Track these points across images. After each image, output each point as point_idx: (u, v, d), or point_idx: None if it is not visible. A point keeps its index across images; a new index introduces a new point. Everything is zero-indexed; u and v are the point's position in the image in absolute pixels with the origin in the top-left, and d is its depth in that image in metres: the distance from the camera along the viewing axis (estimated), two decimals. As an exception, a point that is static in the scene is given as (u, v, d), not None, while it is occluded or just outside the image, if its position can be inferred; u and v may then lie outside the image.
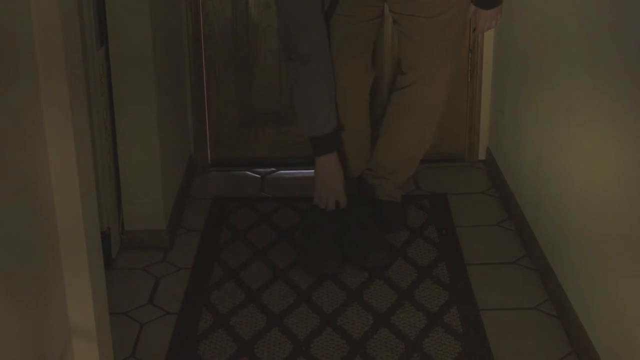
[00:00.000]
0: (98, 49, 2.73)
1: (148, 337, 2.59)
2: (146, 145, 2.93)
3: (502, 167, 3.40)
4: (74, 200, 1.81)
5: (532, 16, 2.98)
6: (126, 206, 2.98)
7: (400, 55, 3.04)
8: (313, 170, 3.03)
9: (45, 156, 1.76)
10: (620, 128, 2.17)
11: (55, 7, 1.70)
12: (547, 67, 2.79)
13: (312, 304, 2.72)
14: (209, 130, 3.69)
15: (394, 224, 3.14)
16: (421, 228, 3.16)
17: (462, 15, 2.90)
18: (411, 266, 2.91)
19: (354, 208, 3.03)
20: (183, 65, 3.51)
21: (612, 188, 2.23)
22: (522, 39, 3.11)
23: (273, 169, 3.64)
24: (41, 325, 1.74)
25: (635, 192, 2.07)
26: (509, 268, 2.91)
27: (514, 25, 3.24)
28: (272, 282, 2.84)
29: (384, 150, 3.12)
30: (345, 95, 2.99)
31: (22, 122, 1.65)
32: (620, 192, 2.18)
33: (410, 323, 2.61)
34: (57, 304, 1.83)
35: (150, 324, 2.65)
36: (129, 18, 2.79)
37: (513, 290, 2.78)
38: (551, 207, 2.75)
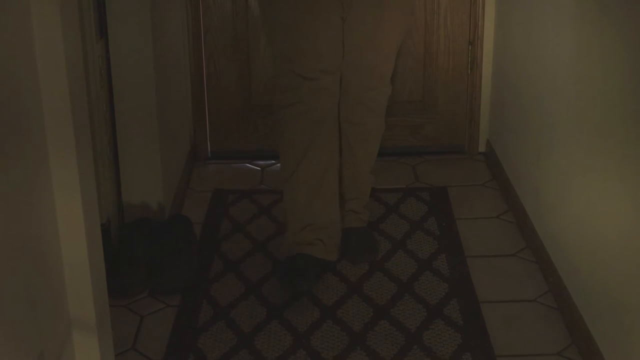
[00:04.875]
0: (97, 41, 2.72)
1: (148, 330, 2.59)
2: (146, 138, 2.92)
3: (502, 159, 3.40)
4: (74, 193, 1.80)
5: (532, 7, 2.97)
6: (126, 198, 2.97)
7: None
8: None
9: (45, 149, 1.75)
10: (622, 119, 2.17)
11: (55, -1, 1.69)
12: (548, 58, 2.78)
13: (312, 297, 2.71)
14: (208, 122, 3.69)
15: (365, 253, 2.92)
16: (421, 220, 3.16)
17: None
18: (411, 258, 2.91)
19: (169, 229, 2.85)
20: (183, 57, 3.51)
21: (612, 179, 2.23)
22: (522, 31, 3.10)
23: (273, 161, 3.64)
24: (41, 318, 1.74)
25: (634, 183, 2.07)
26: (509, 260, 2.91)
27: (514, 16, 3.23)
28: (272, 274, 2.84)
29: (352, 169, 2.90)
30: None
31: (21, 115, 1.65)
32: (619, 184, 2.18)
33: (411, 315, 2.61)
34: (58, 297, 1.83)
35: (150, 316, 2.65)
36: (129, 10, 2.78)
37: (513, 283, 2.78)
38: (551, 199, 2.75)
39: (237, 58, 3.61)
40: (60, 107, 1.75)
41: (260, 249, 3.00)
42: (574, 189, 2.52)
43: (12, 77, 1.61)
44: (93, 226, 1.91)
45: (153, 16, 2.85)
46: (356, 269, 2.86)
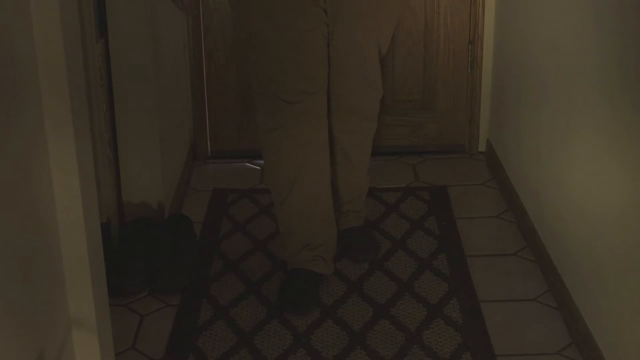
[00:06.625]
0: (97, 41, 2.72)
1: (148, 329, 2.59)
2: (146, 137, 2.92)
3: (502, 159, 3.40)
4: (74, 192, 1.80)
5: (532, 7, 2.97)
6: (126, 197, 2.98)
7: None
8: None
9: (45, 148, 1.75)
10: (623, 119, 2.17)
11: (55, -1, 1.69)
12: (548, 58, 2.78)
13: (312, 296, 2.72)
14: (208, 121, 3.69)
15: (367, 251, 2.93)
16: (421, 220, 3.16)
17: None
18: (411, 258, 2.92)
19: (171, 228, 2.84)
20: (183, 56, 3.51)
21: (612, 178, 2.23)
22: (523, 30, 3.10)
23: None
24: (40, 317, 1.74)
25: (634, 182, 2.07)
26: (509, 259, 2.91)
27: (514, 16, 3.23)
28: (272, 273, 2.84)
29: (349, 174, 2.88)
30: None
31: (21, 115, 1.65)
32: (620, 183, 2.18)
33: (410, 314, 2.61)
34: (57, 296, 1.83)
35: (150, 315, 2.65)
36: (129, 9, 2.78)
37: (513, 282, 2.78)
38: (551, 198, 2.75)
39: (237, 57, 3.61)
40: (60, 107, 1.75)
41: (260, 248, 3.00)
42: (574, 188, 2.53)
43: (12, 77, 1.61)
44: (93, 226, 1.91)
45: (153, 16, 2.85)
46: (356, 269, 2.86)
